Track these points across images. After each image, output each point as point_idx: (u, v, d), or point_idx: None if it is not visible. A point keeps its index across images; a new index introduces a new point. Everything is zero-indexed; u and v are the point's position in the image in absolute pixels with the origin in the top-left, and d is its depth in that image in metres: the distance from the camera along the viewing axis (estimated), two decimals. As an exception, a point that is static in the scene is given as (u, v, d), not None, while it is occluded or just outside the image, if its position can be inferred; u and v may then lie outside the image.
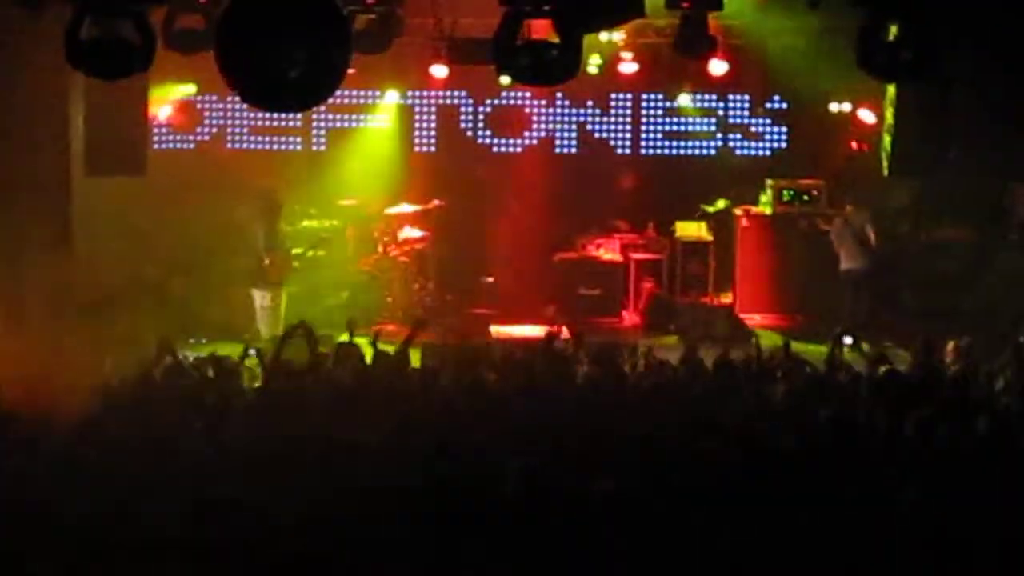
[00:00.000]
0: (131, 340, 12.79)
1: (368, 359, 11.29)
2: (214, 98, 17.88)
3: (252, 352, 11.58)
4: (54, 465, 8.25)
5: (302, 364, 10.59)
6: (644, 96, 18.43)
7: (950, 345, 12.18)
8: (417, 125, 18.44)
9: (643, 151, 18.58)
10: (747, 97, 18.42)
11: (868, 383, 10.40)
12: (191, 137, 18.04)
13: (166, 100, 17.10)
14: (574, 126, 18.57)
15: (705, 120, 18.46)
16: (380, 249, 17.48)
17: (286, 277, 16.61)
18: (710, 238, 17.80)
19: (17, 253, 13.57)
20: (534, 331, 15.19)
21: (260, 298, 16.31)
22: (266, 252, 16.53)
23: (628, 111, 18.54)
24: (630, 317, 17.50)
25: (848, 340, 12.87)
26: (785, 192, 17.73)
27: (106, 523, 7.09)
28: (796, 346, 12.03)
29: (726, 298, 17.55)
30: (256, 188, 16.91)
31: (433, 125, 18.45)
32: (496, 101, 18.34)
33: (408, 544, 6.77)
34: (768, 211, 17.79)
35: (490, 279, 17.77)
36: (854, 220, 16.75)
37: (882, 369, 11.27)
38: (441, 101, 18.36)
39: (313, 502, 7.18)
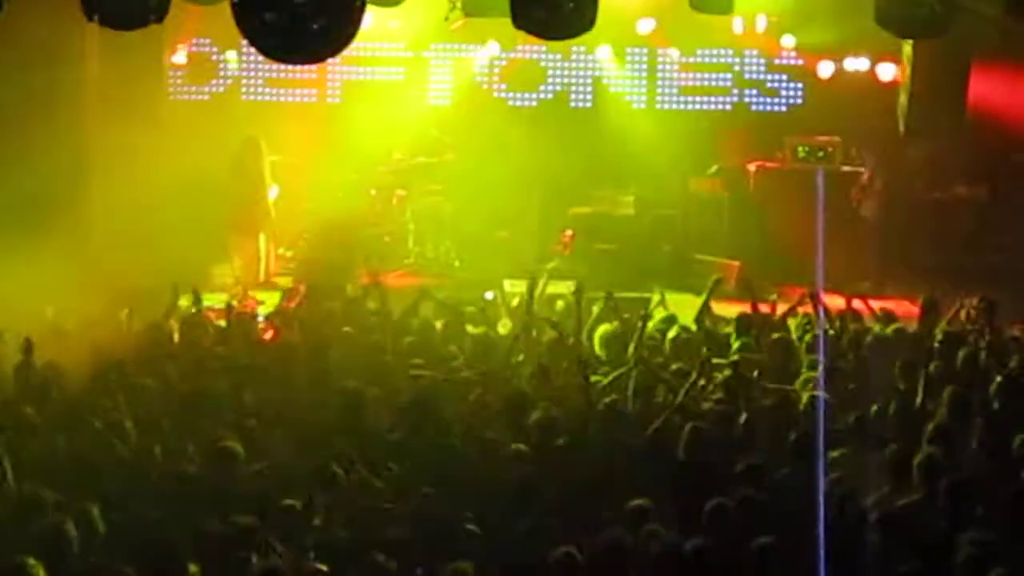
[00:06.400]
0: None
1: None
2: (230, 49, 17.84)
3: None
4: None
5: None
6: (660, 51, 18.32)
7: (963, 304, 12.17)
8: (432, 78, 18.38)
9: (659, 106, 18.50)
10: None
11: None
12: (206, 88, 17.99)
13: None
14: (589, 80, 18.49)
15: (721, 76, 18.35)
16: (393, 202, 17.52)
17: (263, 226, 16.48)
18: (725, 194, 17.73)
19: (36, 204, 13.68)
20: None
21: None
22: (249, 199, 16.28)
23: (644, 66, 18.44)
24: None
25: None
26: (800, 148, 17.60)
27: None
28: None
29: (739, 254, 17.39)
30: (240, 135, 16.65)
31: (448, 78, 18.39)
32: (511, 55, 18.24)
33: None
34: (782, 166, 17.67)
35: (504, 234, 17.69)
36: None
37: (891, 327, 11.32)
38: (456, 54, 18.28)
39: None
